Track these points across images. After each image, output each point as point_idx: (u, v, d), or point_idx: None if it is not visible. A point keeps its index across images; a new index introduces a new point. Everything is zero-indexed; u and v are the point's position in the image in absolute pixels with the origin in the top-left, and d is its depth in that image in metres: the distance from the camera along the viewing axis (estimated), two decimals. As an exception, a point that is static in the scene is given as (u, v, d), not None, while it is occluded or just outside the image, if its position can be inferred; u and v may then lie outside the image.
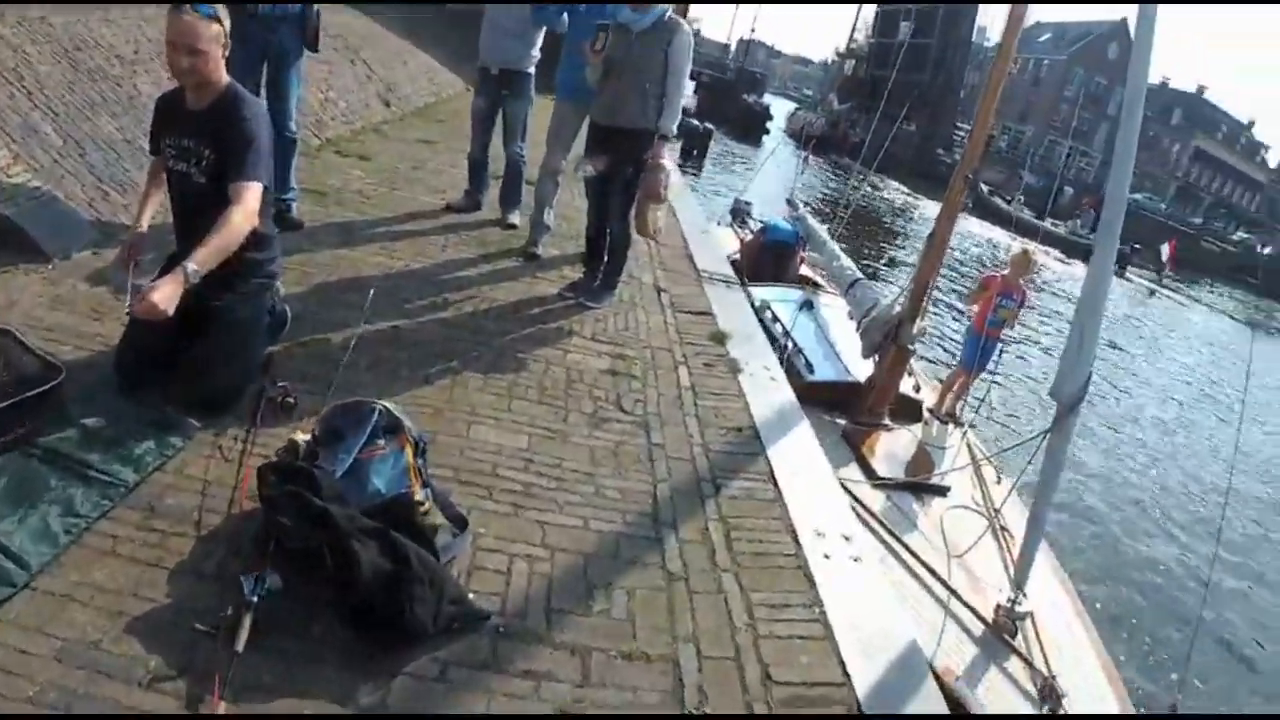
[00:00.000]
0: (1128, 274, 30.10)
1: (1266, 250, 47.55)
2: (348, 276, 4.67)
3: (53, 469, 2.69)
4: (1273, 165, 68.18)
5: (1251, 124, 68.71)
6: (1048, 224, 33.30)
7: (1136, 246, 32.30)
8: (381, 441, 2.67)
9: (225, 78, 3.17)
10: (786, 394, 4.47)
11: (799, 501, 3.43)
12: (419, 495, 2.63)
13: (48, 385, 3.06)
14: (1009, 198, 33.00)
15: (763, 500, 3.40)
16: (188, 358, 3.07)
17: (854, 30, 56.58)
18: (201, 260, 2.81)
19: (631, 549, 2.94)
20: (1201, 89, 62.74)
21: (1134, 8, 3.78)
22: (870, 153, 10.49)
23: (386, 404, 2.76)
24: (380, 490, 2.60)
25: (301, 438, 2.78)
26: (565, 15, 5.52)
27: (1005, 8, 6.31)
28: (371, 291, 4.15)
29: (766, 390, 4.42)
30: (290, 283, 4.21)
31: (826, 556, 3.14)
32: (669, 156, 4.71)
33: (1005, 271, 7.31)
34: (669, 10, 4.56)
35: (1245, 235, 52.15)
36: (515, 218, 6.18)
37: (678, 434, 3.76)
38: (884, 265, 19.15)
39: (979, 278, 9.03)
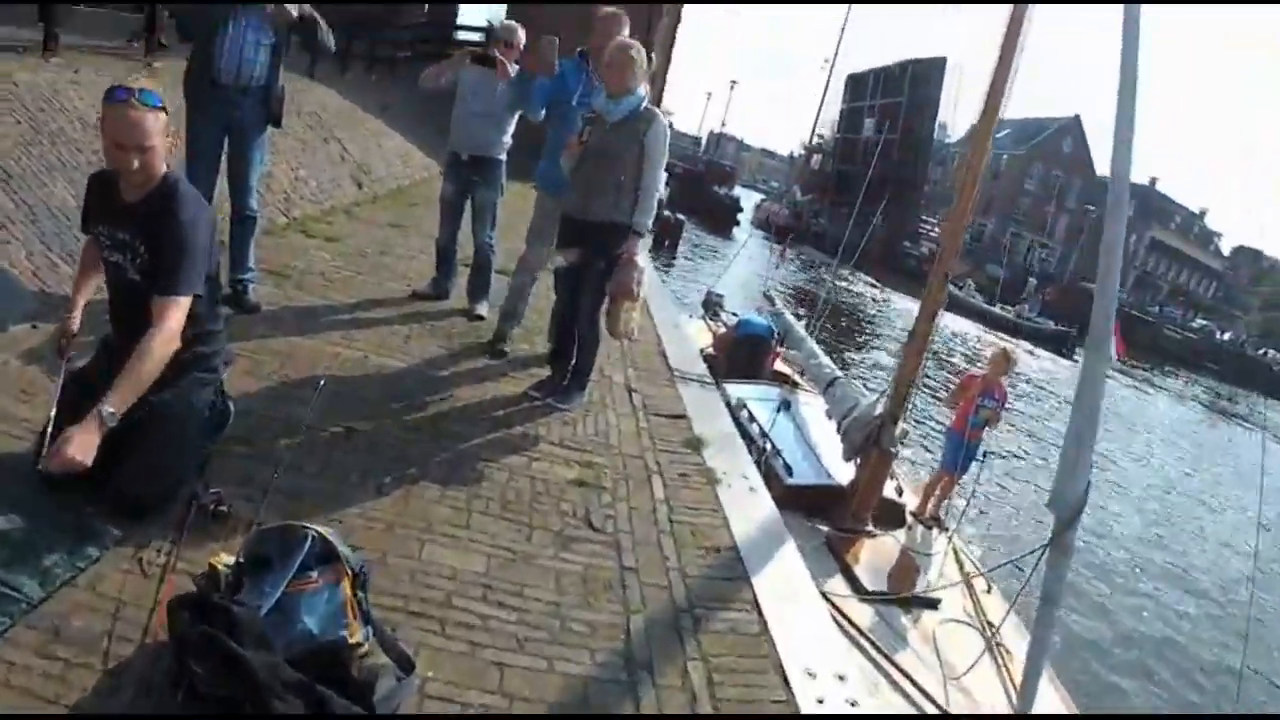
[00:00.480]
0: (1076, 356, 30.31)
1: (1225, 336, 48.62)
2: (303, 367, 4.34)
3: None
4: (1226, 252, 70.23)
5: (1204, 213, 71.15)
6: (997, 309, 34.14)
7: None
8: (314, 573, 2.31)
9: (163, 167, 2.89)
10: (768, 507, 4.17)
11: (787, 635, 3.10)
12: (356, 636, 2.27)
13: None
14: (960, 284, 33.50)
15: (748, 635, 3.06)
16: (115, 456, 2.70)
17: (816, 124, 57.88)
18: (119, 401, 2.58)
19: (601, 695, 2.59)
20: (1154, 180, 64.40)
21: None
22: (847, 247, 10.40)
23: (321, 530, 2.40)
24: (311, 630, 2.24)
25: (225, 563, 2.41)
26: (542, 106, 5.20)
27: (967, 105, 6.22)
28: (322, 383, 3.80)
29: (746, 504, 4.11)
30: (240, 372, 3.91)
31: (820, 701, 2.82)
32: (642, 253, 4.46)
33: (984, 370, 7.11)
34: (645, 99, 4.34)
35: (1204, 322, 53.65)
36: (483, 309, 5.89)
37: (652, 556, 3.42)
38: (858, 361, 19.06)
39: (958, 378, 8.81)
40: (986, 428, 6.89)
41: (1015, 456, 14.06)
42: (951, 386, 9.29)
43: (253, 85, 4.64)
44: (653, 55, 4.68)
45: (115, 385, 2.59)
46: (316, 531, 2.37)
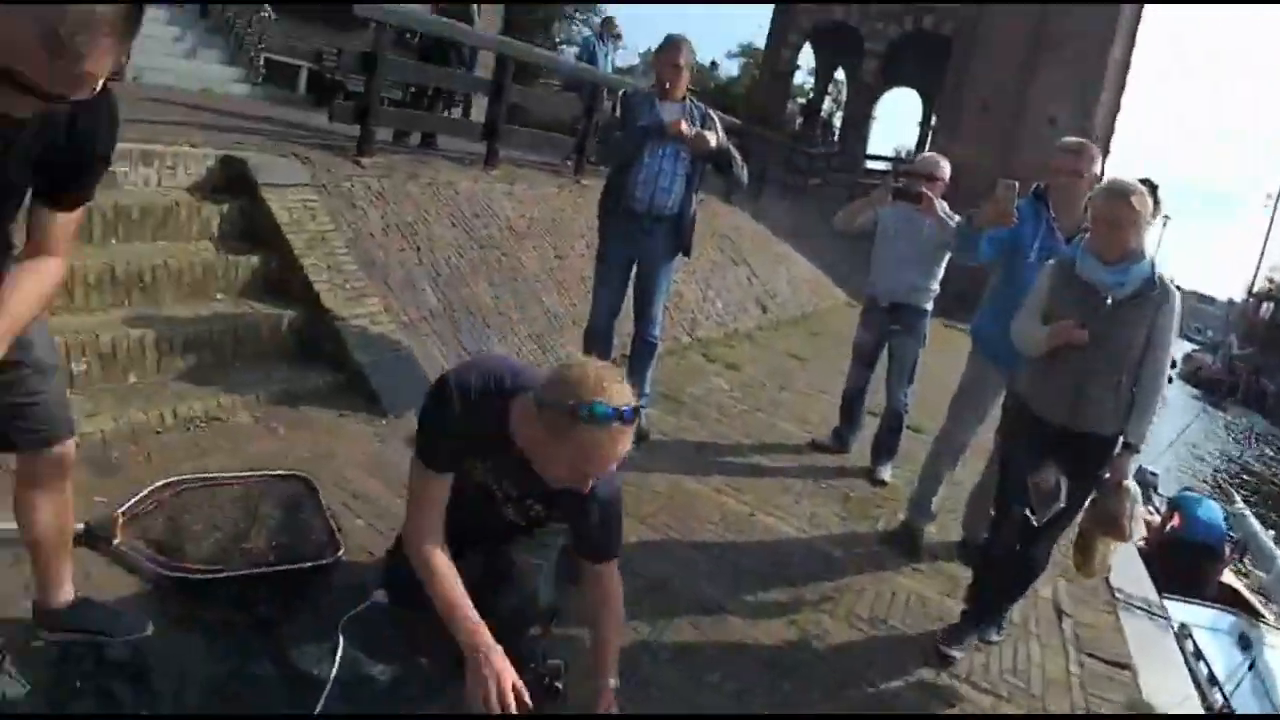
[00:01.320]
0: None
1: None
2: (684, 515, 3.91)
3: None
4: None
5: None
6: None
7: None
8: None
9: None
10: None
11: None
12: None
13: (325, 562, 2.80)
14: None
15: None
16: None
17: (1260, 266, 48.56)
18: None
19: None
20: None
21: None
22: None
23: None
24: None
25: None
26: (992, 258, 4.03)
27: None
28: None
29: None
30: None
31: None
32: (1132, 475, 3.38)
33: None
34: (1157, 268, 3.27)
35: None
36: (886, 473, 5.08)
37: None
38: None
39: None
40: None
41: None
42: None
43: (665, 214, 4.56)
44: (1158, 199, 3.46)
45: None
46: None
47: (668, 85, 4.47)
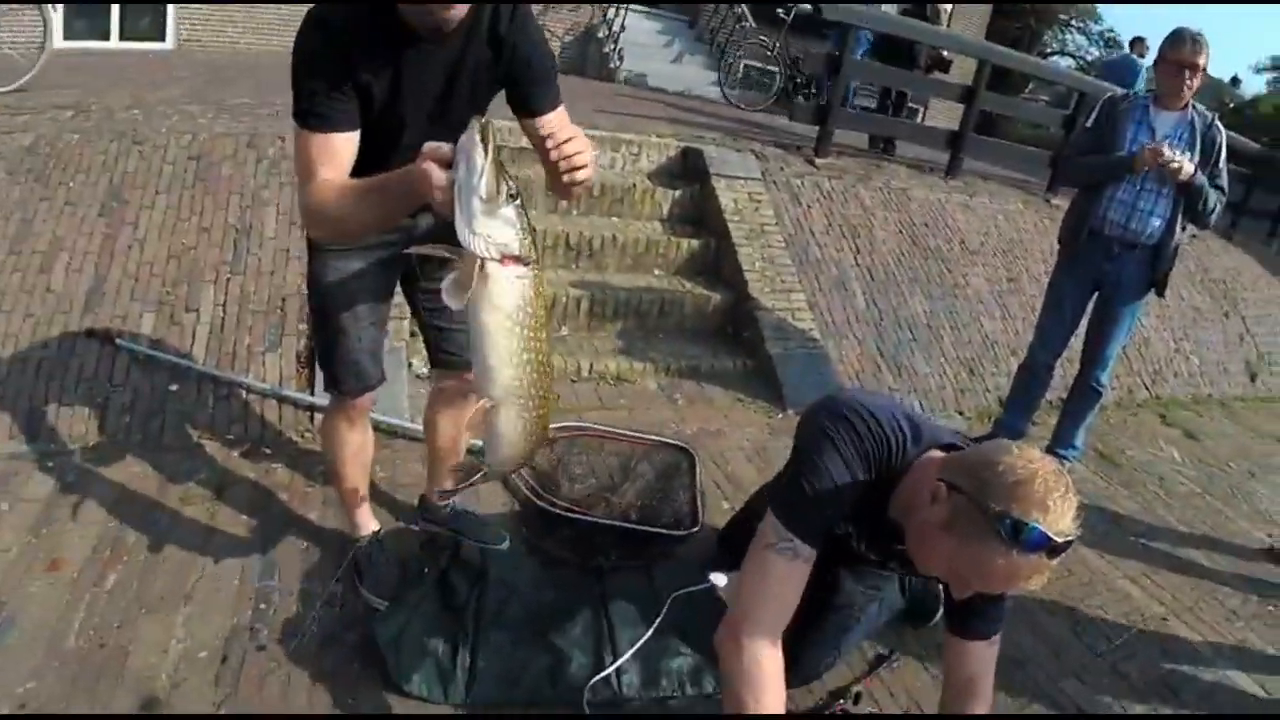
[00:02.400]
0: None
1: None
2: (1070, 595, 3.30)
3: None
4: None
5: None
6: None
7: None
8: None
9: None
10: None
11: None
12: None
13: (679, 533, 2.87)
14: None
15: None
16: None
17: None
18: None
19: None
20: None
21: None
22: None
23: None
24: None
25: None
26: None
27: None
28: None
29: None
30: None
31: None
32: None
33: None
34: None
35: None
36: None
37: None
38: None
39: None
40: None
41: None
42: None
43: (1141, 242, 3.78)
44: None
45: None
46: None
47: (1169, 90, 3.70)
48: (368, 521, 2.50)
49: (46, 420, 3.06)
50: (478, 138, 1.39)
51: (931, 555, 1.69)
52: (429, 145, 1.48)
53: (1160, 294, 3.96)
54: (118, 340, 3.29)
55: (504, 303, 1.46)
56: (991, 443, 1.69)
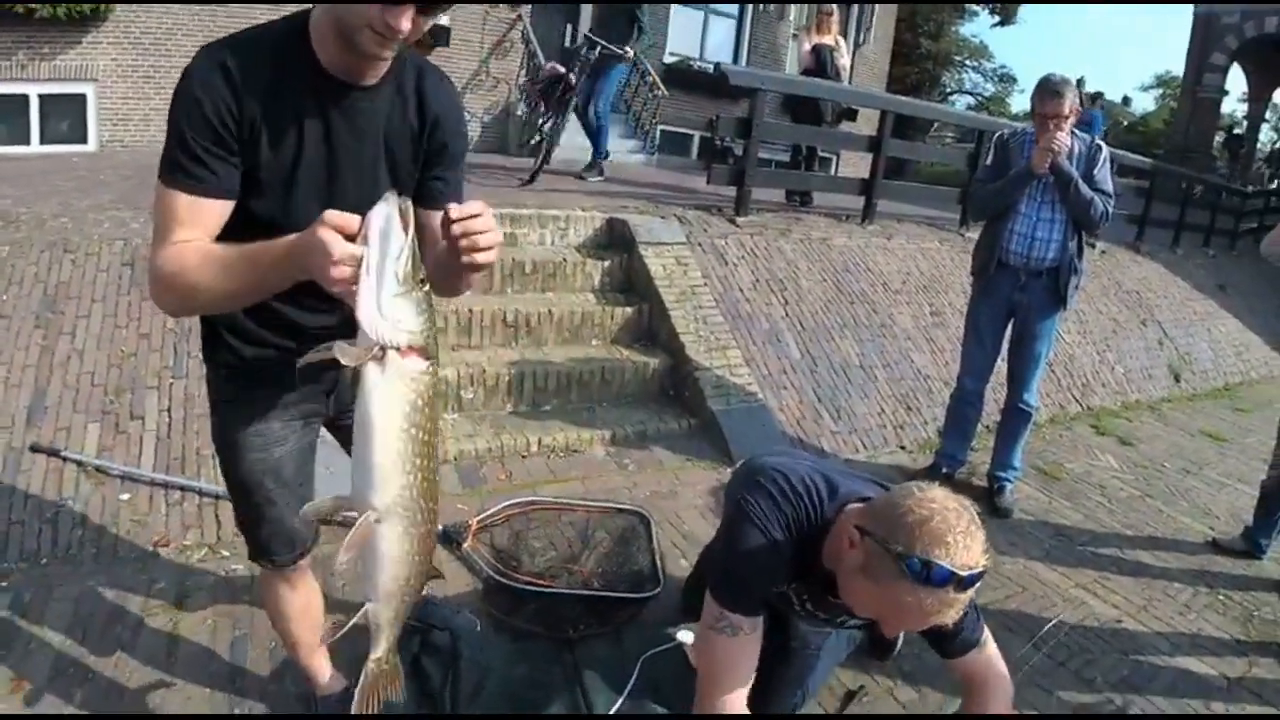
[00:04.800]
0: None
1: None
2: (1028, 611, 3.39)
3: None
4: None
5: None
6: None
7: None
8: None
9: None
10: None
11: None
12: None
13: (642, 595, 2.90)
14: None
15: None
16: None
17: None
18: None
19: None
20: None
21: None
22: None
23: None
24: None
25: None
26: None
27: None
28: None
29: None
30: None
31: None
32: None
33: None
34: None
35: None
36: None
37: None
38: None
39: None
40: None
41: None
42: None
43: (1044, 267, 4.09)
44: None
45: None
46: None
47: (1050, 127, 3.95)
48: (324, 668, 2.25)
49: (-4, 540, 3.01)
50: (395, 212, 1.26)
51: (857, 598, 1.77)
52: (330, 213, 1.27)
53: (1065, 306, 4.18)
54: (64, 453, 3.25)
55: (401, 399, 1.32)
56: (899, 487, 1.76)
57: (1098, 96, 11.41)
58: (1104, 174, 4.02)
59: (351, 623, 1.50)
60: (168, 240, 1.48)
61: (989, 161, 4.30)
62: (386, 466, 1.34)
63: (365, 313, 1.25)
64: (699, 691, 1.95)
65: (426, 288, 1.32)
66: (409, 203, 1.28)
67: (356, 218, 1.27)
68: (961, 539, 1.57)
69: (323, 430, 1.98)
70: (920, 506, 1.62)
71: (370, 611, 1.48)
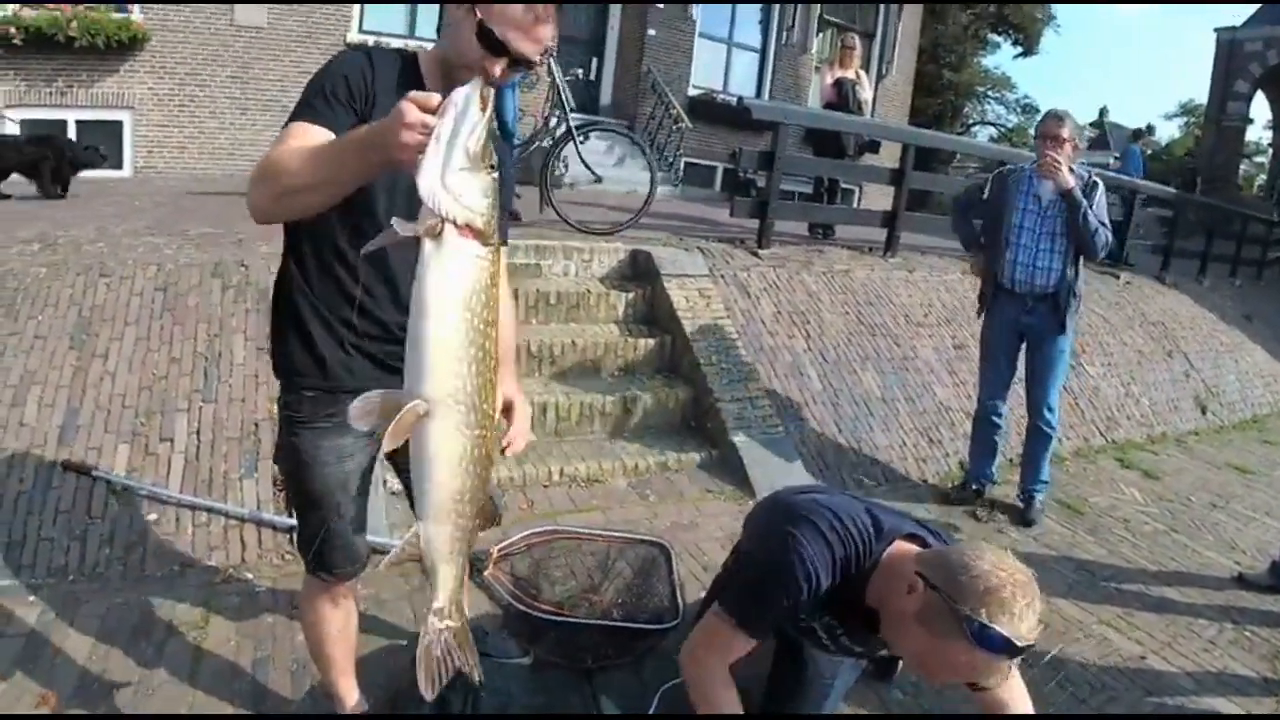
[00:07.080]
0: None
1: None
2: (1047, 646, 3.33)
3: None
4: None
5: None
6: None
7: None
8: None
9: None
10: None
11: None
12: None
13: (662, 627, 2.91)
14: None
15: None
16: None
17: None
18: None
19: None
20: None
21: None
22: None
23: None
24: None
25: None
26: None
27: None
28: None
29: None
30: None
31: None
32: None
33: None
34: None
35: None
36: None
37: None
38: None
39: None
40: None
41: None
42: None
43: (1049, 291, 4.36)
44: None
45: None
46: None
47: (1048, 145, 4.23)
48: (351, 690, 2.29)
49: (26, 554, 3.06)
50: (477, 94, 1.24)
51: (903, 641, 1.83)
52: (413, 93, 1.29)
53: (1063, 330, 4.37)
54: (94, 472, 3.33)
55: (458, 280, 1.26)
56: (971, 546, 1.81)
57: (1140, 134, 11.44)
58: (1100, 206, 4.25)
59: (403, 541, 1.45)
60: (278, 144, 1.62)
61: (984, 195, 4.53)
62: (437, 350, 1.28)
63: (427, 182, 1.23)
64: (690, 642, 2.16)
65: (496, 175, 1.30)
66: (491, 90, 1.30)
67: (437, 96, 1.28)
68: (1025, 611, 1.63)
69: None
70: (993, 572, 1.67)
71: (422, 536, 1.41)
